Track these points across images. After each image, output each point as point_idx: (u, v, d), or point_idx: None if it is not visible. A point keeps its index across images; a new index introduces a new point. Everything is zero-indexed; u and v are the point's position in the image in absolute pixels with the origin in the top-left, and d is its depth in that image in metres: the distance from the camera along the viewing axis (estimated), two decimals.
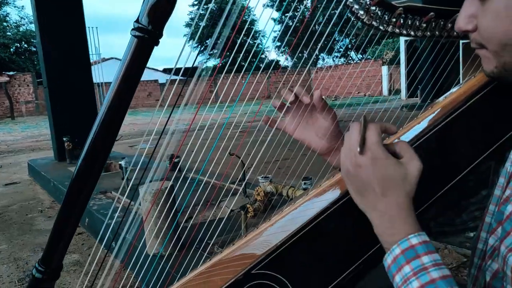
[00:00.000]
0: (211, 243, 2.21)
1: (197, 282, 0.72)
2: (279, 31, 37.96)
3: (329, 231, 0.64)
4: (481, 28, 0.54)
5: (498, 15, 0.50)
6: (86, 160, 0.74)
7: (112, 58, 28.39)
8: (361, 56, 34.05)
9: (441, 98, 0.68)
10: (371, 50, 30.42)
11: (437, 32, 0.66)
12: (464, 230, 0.79)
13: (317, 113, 0.80)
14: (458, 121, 0.63)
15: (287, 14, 37.95)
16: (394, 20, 0.66)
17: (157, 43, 0.75)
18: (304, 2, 36.46)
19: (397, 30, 0.67)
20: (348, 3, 0.69)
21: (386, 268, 0.56)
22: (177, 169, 4.09)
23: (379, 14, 0.67)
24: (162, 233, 1.93)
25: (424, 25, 0.66)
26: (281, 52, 41.32)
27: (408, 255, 0.53)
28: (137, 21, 0.70)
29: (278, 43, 40.78)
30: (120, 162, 3.35)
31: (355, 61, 32.94)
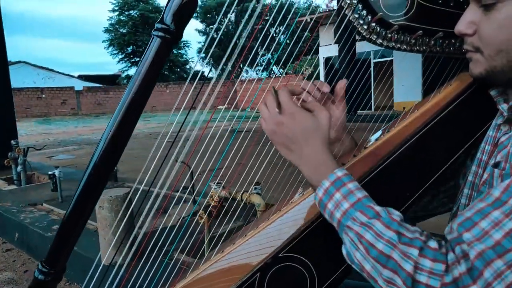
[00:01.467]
0: (171, 250, 2.18)
1: (217, 269, 0.76)
2: (204, 42, 38.02)
3: None
4: (482, 34, 0.65)
5: (500, 25, 0.62)
6: (105, 152, 0.74)
7: (19, 62, 25.86)
8: (282, 70, 35.58)
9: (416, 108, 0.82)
10: (291, 65, 32.05)
11: (425, 48, 0.80)
12: (435, 214, 0.94)
13: (331, 103, 0.86)
14: (441, 123, 0.77)
15: (211, 26, 38.22)
16: (389, 36, 0.79)
17: (177, 44, 0.78)
18: (228, 16, 37.16)
19: (391, 44, 0.80)
20: (351, 18, 0.79)
21: (317, 202, 0.67)
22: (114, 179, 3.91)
23: (377, 30, 0.78)
24: (119, 242, 1.86)
25: (413, 41, 0.79)
26: (206, 64, 41.46)
27: (337, 185, 0.65)
28: (161, 21, 0.73)
29: (203, 55, 40.86)
30: (53, 172, 3.11)
31: (277, 75, 34.27)
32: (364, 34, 0.80)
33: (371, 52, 15.63)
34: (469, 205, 0.58)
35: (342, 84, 0.84)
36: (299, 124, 0.68)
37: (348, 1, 0.77)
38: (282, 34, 35.58)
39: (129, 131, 0.77)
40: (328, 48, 17.50)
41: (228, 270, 0.75)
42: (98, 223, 1.91)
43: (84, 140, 11.01)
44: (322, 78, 18.12)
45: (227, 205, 2.65)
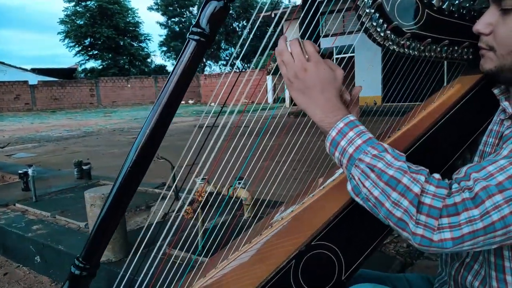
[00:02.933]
0: (165, 244, 2.19)
1: (247, 259, 0.82)
2: (165, 35, 37.27)
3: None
4: (497, 34, 0.74)
5: None
6: (142, 149, 0.77)
7: None
8: (246, 65, 35.61)
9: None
10: (256, 60, 32.11)
11: (432, 54, 0.89)
12: None
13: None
14: (450, 121, 0.86)
15: (173, 19, 37.53)
16: (402, 42, 0.87)
17: (210, 46, 0.82)
18: (190, 9, 36.54)
19: (402, 50, 0.88)
20: (368, 25, 0.86)
21: (329, 142, 0.74)
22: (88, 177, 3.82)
23: (392, 37, 0.86)
24: (112, 239, 1.85)
25: (422, 47, 0.88)
26: (168, 57, 40.63)
27: (350, 125, 0.73)
28: (197, 25, 0.77)
29: (164, 48, 40.00)
30: (24, 171, 2.98)
31: (241, 70, 34.23)
32: (379, 40, 0.87)
33: (334, 48, 16.03)
34: None
35: (358, 90, 0.92)
36: (321, 73, 0.76)
37: (367, 10, 0.84)
38: (245, 29, 35.63)
39: (166, 128, 0.81)
40: None
41: (262, 259, 0.81)
42: (90, 221, 1.88)
43: (43, 137, 10.52)
44: None
45: (211, 199, 2.71)
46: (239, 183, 2.59)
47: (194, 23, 0.77)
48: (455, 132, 0.87)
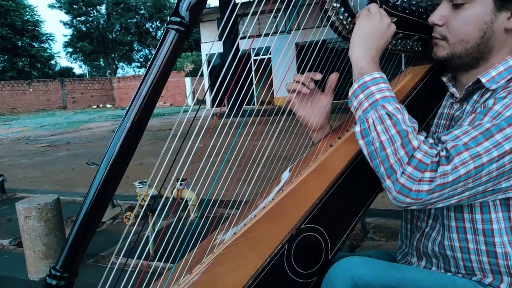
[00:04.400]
0: (106, 254, 2.04)
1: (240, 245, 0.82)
2: (70, 35, 34.59)
3: (351, 183, 0.86)
4: (450, 25, 0.84)
5: (465, 20, 0.82)
6: (122, 147, 0.73)
7: None
8: None
9: None
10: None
11: (389, 46, 0.97)
12: None
13: (319, 94, 0.99)
14: (408, 106, 0.95)
15: (79, 18, 34.94)
16: None
17: (189, 37, 0.80)
18: (98, 7, 34.41)
19: None
20: (333, 19, 0.91)
21: (358, 84, 0.82)
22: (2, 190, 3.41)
23: None
24: (52, 253, 1.69)
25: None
26: (74, 59, 37.72)
27: (384, 80, 0.82)
28: (176, 14, 0.74)
29: (70, 49, 37.04)
30: None
31: None
32: (344, 34, 0.93)
33: (252, 49, 16.45)
34: None
35: (334, 76, 0.97)
36: (390, 31, 0.86)
37: (334, 4, 0.89)
38: (159, 29, 34.58)
39: (146, 123, 0.77)
40: (210, 45, 17.73)
41: (253, 247, 0.81)
42: (24, 235, 1.67)
43: None
44: (205, 74, 18.29)
45: (153, 203, 2.60)
46: (181, 184, 2.53)
47: (172, 11, 0.75)
48: (416, 113, 0.96)
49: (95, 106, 25.75)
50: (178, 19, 0.74)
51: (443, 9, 0.86)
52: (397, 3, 0.94)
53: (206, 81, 18.78)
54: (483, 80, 0.83)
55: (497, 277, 0.81)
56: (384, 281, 0.74)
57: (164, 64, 0.75)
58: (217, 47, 17.48)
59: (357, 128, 0.79)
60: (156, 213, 2.19)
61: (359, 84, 0.82)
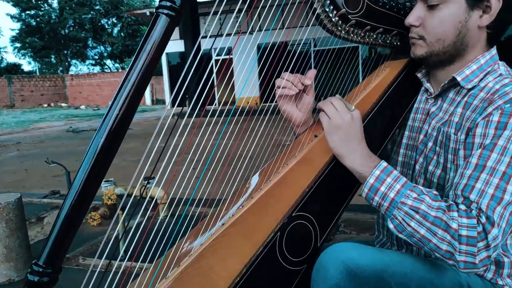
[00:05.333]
0: (72, 256, 1.93)
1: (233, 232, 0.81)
2: (19, 30, 32.61)
3: (337, 173, 0.88)
4: (427, 26, 0.88)
5: (441, 20, 0.85)
6: (109, 136, 0.70)
7: None
8: (118, 65, 33.47)
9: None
10: (130, 60, 30.42)
11: (370, 40, 1.00)
12: None
13: (302, 92, 1.00)
14: (389, 99, 0.99)
15: (28, 12, 32.99)
16: (347, 29, 0.96)
17: (180, 22, 0.78)
18: (49, 1, 32.72)
19: (348, 36, 0.97)
20: (318, 12, 0.93)
21: (367, 188, 0.81)
22: None
23: (339, 23, 0.95)
24: (14, 255, 1.58)
25: (362, 34, 0.99)
26: (23, 55, 35.56)
27: (386, 172, 0.81)
28: None
29: (18, 44, 34.87)
30: None
31: (113, 70, 32.05)
32: (329, 26, 0.95)
33: (212, 49, 16.33)
34: (456, 178, 0.80)
35: (311, 73, 0.99)
36: (359, 124, 0.86)
37: None
38: (115, 26, 33.45)
39: (134, 111, 0.74)
40: (171, 43, 17.41)
41: (245, 236, 0.81)
42: None
43: None
44: (165, 73, 17.94)
45: (120, 202, 2.51)
46: (148, 182, 2.47)
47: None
48: (389, 113, 1.00)
49: (45, 105, 24.45)
50: (168, 4, 0.72)
51: (419, 10, 0.89)
52: None
53: (166, 81, 18.45)
54: (459, 78, 0.88)
55: None
56: (373, 264, 0.76)
57: (154, 50, 0.73)
58: (178, 46, 17.25)
59: (390, 225, 0.79)
60: (125, 212, 2.12)
61: (368, 189, 0.81)
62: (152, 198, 2.28)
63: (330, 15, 0.93)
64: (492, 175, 0.74)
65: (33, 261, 0.69)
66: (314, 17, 0.94)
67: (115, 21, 31.94)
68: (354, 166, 0.84)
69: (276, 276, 0.78)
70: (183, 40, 13.07)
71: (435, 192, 0.78)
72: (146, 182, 2.48)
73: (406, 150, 1.01)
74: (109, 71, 31.83)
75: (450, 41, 0.87)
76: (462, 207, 0.75)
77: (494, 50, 0.90)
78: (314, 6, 0.92)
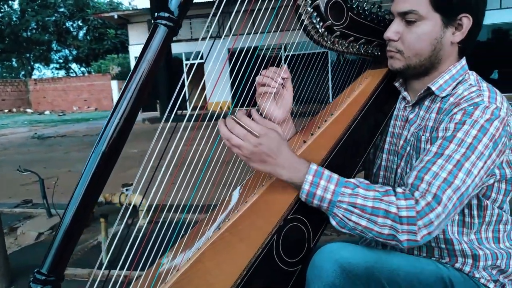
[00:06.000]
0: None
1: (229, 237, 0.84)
2: None
3: None
4: (405, 41, 0.94)
5: (418, 36, 0.92)
6: (111, 144, 0.72)
7: None
8: (85, 69, 32.50)
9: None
10: (97, 64, 29.60)
11: (353, 50, 1.06)
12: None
13: (281, 89, 1.01)
14: (372, 106, 1.04)
15: None
16: (332, 40, 1.01)
17: (176, 34, 0.80)
18: (10, 3, 31.37)
19: (334, 47, 1.02)
20: (305, 23, 0.97)
21: (304, 194, 0.82)
22: None
23: (325, 34, 1.00)
24: None
25: (346, 45, 1.05)
26: None
27: (318, 175, 0.83)
28: (165, 9, 0.75)
29: None
30: None
31: (79, 75, 31.07)
32: (315, 37, 1.00)
33: (183, 53, 16.16)
34: (415, 164, 0.86)
35: (285, 67, 1.00)
36: (272, 140, 0.82)
37: (308, 9, 0.95)
38: (81, 29, 32.46)
39: (135, 118, 0.76)
40: (141, 47, 17.08)
41: (242, 240, 0.83)
42: None
43: None
44: None
45: (97, 210, 2.45)
46: (127, 189, 2.44)
47: (160, 6, 0.75)
48: (373, 119, 1.05)
49: (7, 110, 23.41)
50: (167, 14, 0.74)
51: (397, 25, 0.95)
52: (360, 11, 1.03)
53: None
54: (433, 88, 0.95)
55: (453, 258, 0.93)
56: (364, 261, 0.81)
57: (154, 60, 0.75)
58: None
59: (333, 222, 0.83)
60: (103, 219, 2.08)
61: (306, 194, 0.83)
62: (131, 204, 2.27)
63: (317, 26, 0.97)
64: (447, 161, 0.81)
65: (36, 270, 0.69)
66: (302, 28, 0.98)
67: (81, 24, 31.06)
68: (284, 179, 0.85)
69: (273, 277, 0.81)
70: None
71: (366, 182, 0.84)
72: (125, 189, 2.46)
73: (388, 155, 1.07)
74: (74, 75, 30.89)
75: (426, 55, 0.94)
76: (399, 189, 0.81)
77: (463, 61, 0.98)
78: (302, 18, 0.97)
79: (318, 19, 0.97)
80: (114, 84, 22.28)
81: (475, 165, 0.80)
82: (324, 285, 0.77)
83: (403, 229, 0.77)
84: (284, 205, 0.85)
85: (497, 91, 0.90)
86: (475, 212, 0.92)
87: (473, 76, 0.95)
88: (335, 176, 0.84)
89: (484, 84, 0.92)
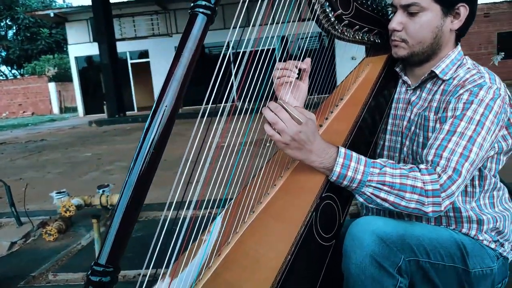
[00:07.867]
0: (38, 274, 1.75)
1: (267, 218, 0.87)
2: None
3: None
4: (408, 30, 1.02)
5: (421, 26, 1.00)
6: (162, 131, 0.72)
7: None
8: (16, 71, 30.15)
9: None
10: (30, 66, 27.56)
11: (357, 37, 1.12)
12: None
13: (300, 80, 1.06)
14: (379, 89, 1.12)
15: None
16: (341, 29, 1.07)
17: (213, 22, 0.81)
18: None
19: (342, 36, 1.08)
20: (318, 12, 1.02)
21: (335, 176, 0.88)
22: None
23: (335, 23, 1.05)
24: None
25: (352, 33, 1.11)
26: None
27: (347, 157, 0.89)
28: None
29: None
30: None
31: (9, 77, 28.76)
32: (326, 26, 1.05)
33: (127, 52, 15.57)
34: (430, 142, 0.94)
35: (308, 61, 1.05)
36: (310, 129, 0.86)
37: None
38: (10, 29, 30.05)
39: (179, 105, 0.76)
40: (82, 47, 16.21)
41: (281, 220, 0.87)
42: None
43: None
44: (75, 78, 16.69)
45: (74, 215, 2.33)
46: (103, 191, 2.35)
47: None
48: (380, 102, 1.13)
49: None
50: (204, 3, 0.75)
51: (400, 17, 1.03)
52: (363, 2, 1.10)
53: (77, 87, 17.17)
54: (437, 71, 1.04)
55: (459, 225, 1.03)
56: (396, 230, 0.88)
57: (196, 48, 0.75)
58: (88, 50, 16.14)
59: (360, 199, 0.90)
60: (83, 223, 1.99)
61: (336, 176, 0.88)
62: (112, 205, 2.19)
63: (330, 15, 1.03)
64: (461, 138, 0.90)
65: (93, 262, 0.67)
66: (312, 16, 1.03)
67: (10, 23, 28.77)
68: (315, 165, 0.89)
69: (315, 252, 0.85)
70: (96, 43, 12.29)
71: (391, 161, 0.92)
72: (101, 190, 2.37)
73: (390, 136, 1.15)
74: (5, 78, 28.56)
75: (428, 43, 1.03)
76: (422, 166, 0.90)
77: (459, 47, 1.08)
78: (315, 7, 1.02)
79: (330, 8, 1.03)
80: (52, 86, 20.93)
81: (485, 139, 0.91)
82: (365, 253, 0.83)
83: (429, 202, 0.85)
84: (317, 184, 0.90)
85: (494, 73, 1.01)
86: (477, 182, 1.03)
87: (470, 61, 1.06)
88: (363, 157, 0.90)
89: (481, 68, 1.02)
